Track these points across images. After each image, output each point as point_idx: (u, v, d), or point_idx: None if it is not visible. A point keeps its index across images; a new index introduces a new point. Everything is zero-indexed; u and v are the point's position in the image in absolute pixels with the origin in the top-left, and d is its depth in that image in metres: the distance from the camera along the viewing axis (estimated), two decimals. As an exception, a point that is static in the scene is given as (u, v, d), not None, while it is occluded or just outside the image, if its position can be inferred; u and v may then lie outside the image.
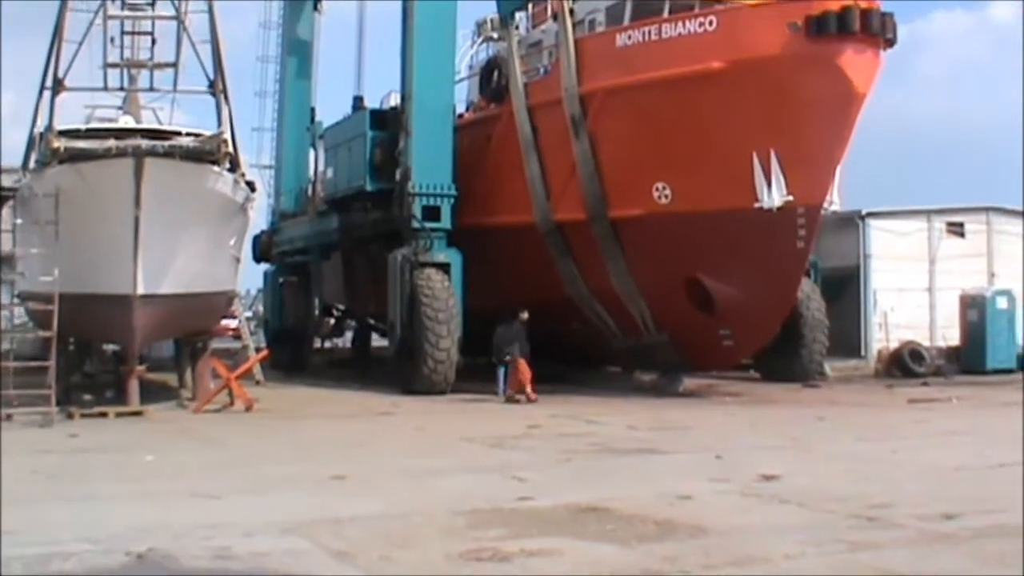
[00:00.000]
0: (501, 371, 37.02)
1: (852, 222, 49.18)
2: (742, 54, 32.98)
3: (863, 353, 48.34)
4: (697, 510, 15.58)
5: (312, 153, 51.48)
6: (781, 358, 40.57)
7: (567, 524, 14.65)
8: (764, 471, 18.99)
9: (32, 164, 33.90)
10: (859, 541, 13.50)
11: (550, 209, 37.94)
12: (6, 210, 32.51)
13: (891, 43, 33.37)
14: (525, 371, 35.15)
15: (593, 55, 36.64)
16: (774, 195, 33.58)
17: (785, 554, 12.89)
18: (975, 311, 47.87)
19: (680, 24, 34.34)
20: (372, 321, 54.30)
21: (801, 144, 32.91)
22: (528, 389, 34.87)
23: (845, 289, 48.23)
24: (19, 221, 31.40)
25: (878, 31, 32.77)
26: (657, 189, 35.08)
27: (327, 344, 58.17)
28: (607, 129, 35.92)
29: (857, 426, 29.17)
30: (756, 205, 33.76)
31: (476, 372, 39.66)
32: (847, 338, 46.94)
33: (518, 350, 36.09)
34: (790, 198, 33.61)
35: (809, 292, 41.75)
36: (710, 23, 33.79)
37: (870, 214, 49.43)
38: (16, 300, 33.79)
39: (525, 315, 36.48)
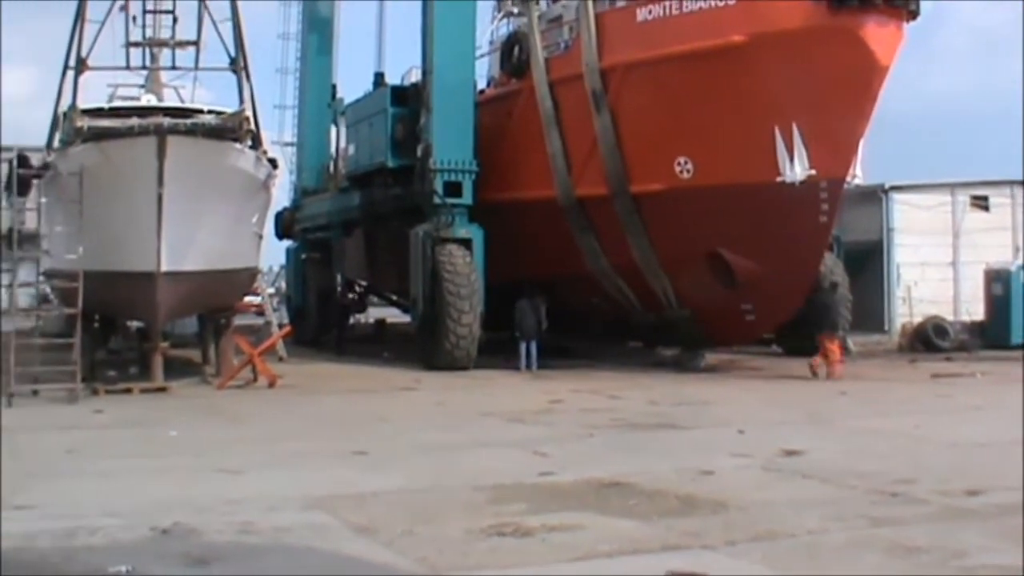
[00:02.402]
0: (523, 346, 37.08)
1: (875, 196, 48.92)
2: (763, 27, 32.80)
3: (886, 328, 48.11)
4: (719, 485, 15.60)
5: (333, 130, 51.45)
6: (803, 333, 40.42)
7: (589, 499, 14.69)
8: (786, 446, 19.01)
9: (56, 143, 33.96)
10: (882, 516, 13.50)
11: (571, 184, 37.84)
12: (33, 189, 32.54)
13: (914, 15, 33.15)
14: None
15: (614, 29, 36.49)
16: (796, 169, 33.46)
17: (807, 529, 12.89)
18: (999, 285, 47.52)
19: (701, -2, 34.21)
20: (394, 297, 54.40)
21: (823, 117, 32.73)
22: None
23: (868, 263, 48.02)
24: (44, 200, 31.46)
25: (901, 3, 32.57)
26: (679, 164, 34.96)
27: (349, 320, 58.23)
28: (628, 104, 35.79)
29: (880, 401, 29.14)
30: (778, 179, 33.62)
31: (498, 347, 39.67)
32: (870, 313, 46.74)
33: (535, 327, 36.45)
34: (812, 172, 33.47)
35: (832, 266, 41.53)
36: (731, -4, 33.64)
37: (893, 188, 49.15)
38: (42, 278, 33.88)
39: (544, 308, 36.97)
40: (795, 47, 32.30)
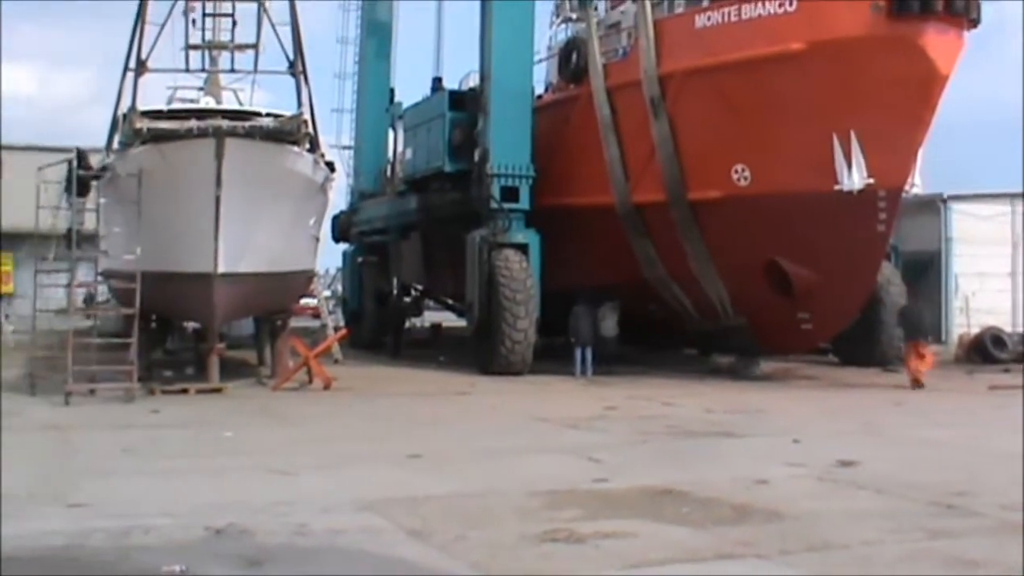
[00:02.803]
0: (578, 352, 37.05)
1: (933, 205, 48.66)
2: (823, 35, 32.70)
3: (943, 338, 47.79)
4: (773, 494, 15.52)
5: (391, 134, 51.59)
6: (860, 342, 40.19)
7: (642, 506, 14.65)
8: (841, 456, 18.88)
9: (115, 144, 34.16)
10: (938, 529, 13.39)
11: (629, 191, 37.81)
12: (92, 190, 32.75)
13: (975, 23, 33.00)
14: None
15: (672, 36, 36.45)
16: (854, 177, 33.30)
17: (862, 540, 12.80)
18: (1059, 296, 47.25)
19: (760, 5, 34.03)
20: (450, 301, 54.47)
21: (882, 126, 32.56)
22: None
23: (926, 273, 47.74)
24: (103, 201, 31.65)
25: (961, 11, 32.40)
26: (736, 171, 34.85)
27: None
28: (686, 111, 35.73)
29: (936, 412, 28.88)
30: (836, 187, 33.48)
31: (553, 353, 39.64)
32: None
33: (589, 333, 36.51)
34: (871, 180, 33.31)
35: (890, 276, 41.29)
36: (790, 4, 33.45)
37: (952, 197, 48.86)
38: (100, 278, 34.09)
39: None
40: (854, 55, 32.17)
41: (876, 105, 32.31)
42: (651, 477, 16.82)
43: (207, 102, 35.60)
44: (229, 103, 37.22)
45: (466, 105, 42.32)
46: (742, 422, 25.38)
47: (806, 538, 12.89)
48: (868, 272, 35.78)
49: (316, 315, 51.74)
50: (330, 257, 63.78)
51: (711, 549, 12.36)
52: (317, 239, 37.06)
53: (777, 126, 33.53)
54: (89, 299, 34.31)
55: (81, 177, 31.56)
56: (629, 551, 12.21)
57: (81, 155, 32.44)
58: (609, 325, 38.18)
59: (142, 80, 33.96)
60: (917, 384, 33.79)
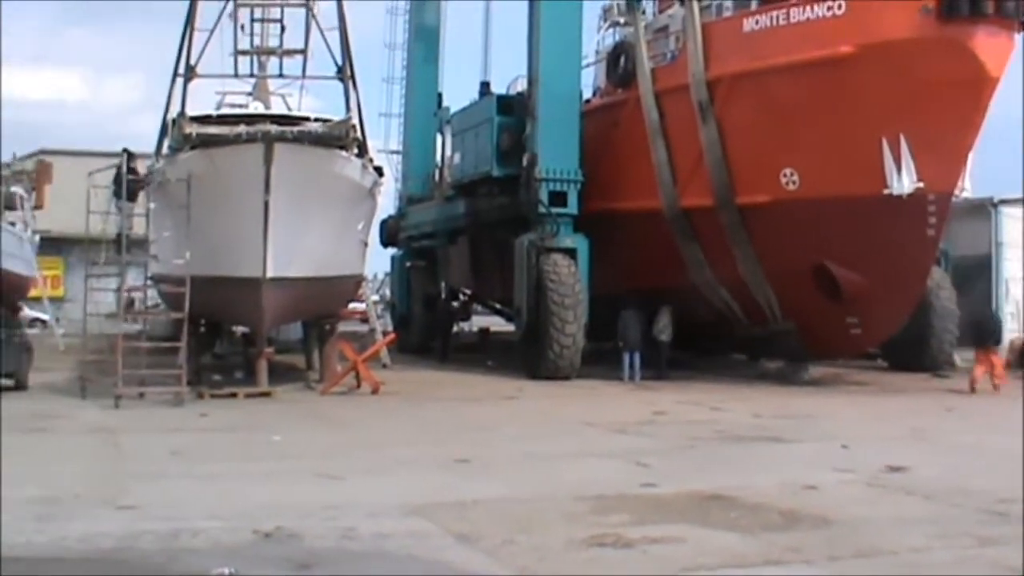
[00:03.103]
0: (626, 357, 37.01)
1: (984, 209, 48.28)
2: (872, 38, 32.55)
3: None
4: (822, 500, 15.47)
5: (439, 138, 51.65)
6: (910, 347, 39.94)
7: (690, 511, 14.63)
8: (891, 462, 18.80)
9: (165, 149, 34.35)
10: (987, 536, 13.31)
11: (677, 195, 37.76)
12: (141, 194, 32.93)
13: (1025, 25, 32.85)
14: None
15: (720, 40, 36.39)
16: (904, 181, 33.15)
17: (911, 547, 12.76)
18: (1112, 301, 46.82)
19: (808, 8, 33.91)
20: (498, 305, 54.52)
21: (931, 129, 32.38)
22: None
23: (976, 278, 47.38)
24: (152, 205, 31.82)
25: (1012, 13, 32.20)
26: (785, 175, 34.73)
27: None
28: (734, 115, 35.65)
29: (987, 418, 28.73)
30: (885, 191, 33.32)
31: (601, 357, 39.60)
32: (978, 328, 46.11)
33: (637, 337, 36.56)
34: (920, 184, 33.15)
35: (939, 281, 41.05)
36: (839, 7, 33.32)
37: (1002, 201, 48.46)
38: (149, 282, 34.28)
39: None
40: (904, 58, 32.00)
41: (926, 108, 32.14)
42: (699, 482, 16.81)
43: (256, 107, 35.72)
44: (278, 108, 37.30)
45: (514, 109, 42.37)
46: (791, 427, 25.31)
47: (854, 544, 12.85)
48: (917, 277, 35.61)
49: (364, 319, 51.82)
50: (378, 261, 63.95)
51: (759, 555, 12.34)
52: (365, 243, 37.17)
53: (826, 130, 33.38)
54: (129, 304, 34.47)
55: (130, 183, 31.74)
56: (677, 556, 12.20)
57: (130, 156, 32.58)
58: (663, 329, 38.14)
59: (191, 85, 34.08)
60: (994, 387, 33.56)
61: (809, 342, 36.23)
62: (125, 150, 32.97)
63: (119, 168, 31.66)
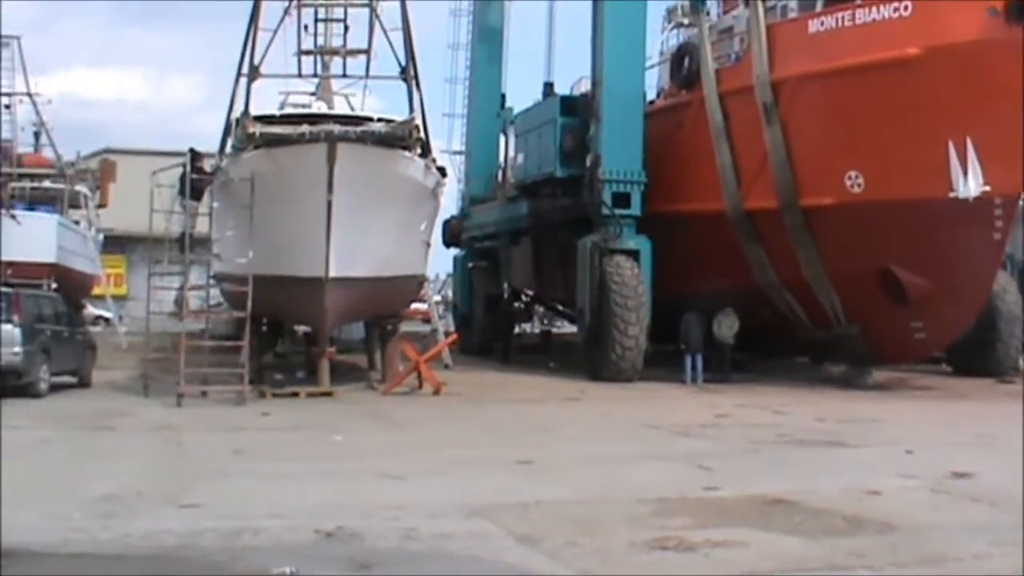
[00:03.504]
0: (689, 359, 36.95)
1: (1051, 213, 47.86)
2: (938, 40, 32.31)
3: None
4: (886, 506, 15.35)
5: (502, 139, 51.70)
6: (975, 352, 39.69)
7: (753, 515, 14.55)
8: (956, 468, 18.61)
9: (228, 149, 34.53)
10: (1053, 544, 13.17)
11: (741, 197, 37.64)
12: (205, 194, 33.11)
13: (1094, 28, 32.49)
14: None
15: (785, 41, 36.24)
16: (970, 184, 32.91)
17: (975, 554, 12.64)
18: None
19: (874, 9, 33.72)
20: (560, 307, 54.51)
21: (998, 132, 32.14)
22: None
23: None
24: (215, 204, 32.01)
25: (1080, 16, 31.91)
26: (849, 178, 34.53)
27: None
28: (799, 117, 35.51)
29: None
30: (951, 195, 33.09)
31: (663, 360, 39.53)
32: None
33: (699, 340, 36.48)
34: (987, 188, 32.92)
35: (1005, 285, 40.76)
36: (905, 8, 33.12)
37: (1071, 205, 48.03)
38: (212, 281, 34.47)
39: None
40: (970, 60, 31.76)
41: (992, 110, 31.94)
42: (762, 486, 16.70)
43: (319, 107, 35.80)
44: (341, 108, 37.40)
45: (578, 110, 42.39)
46: (854, 431, 25.11)
47: (918, 550, 12.75)
48: (983, 281, 35.38)
49: (426, 320, 51.99)
50: (441, 262, 64.04)
51: (822, 560, 12.27)
52: (428, 244, 37.27)
53: (891, 132, 33.19)
54: (179, 303, 34.66)
55: (194, 181, 31.91)
56: (739, 560, 12.14)
57: (195, 156, 32.76)
58: (727, 332, 38.04)
59: (255, 85, 34.14)
60: None
61: (873, 346, 36.03)
62: (191, 150, 33.15)
63: (184, 167, 31.83)
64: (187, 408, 27.51)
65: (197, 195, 32.77)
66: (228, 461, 19.31)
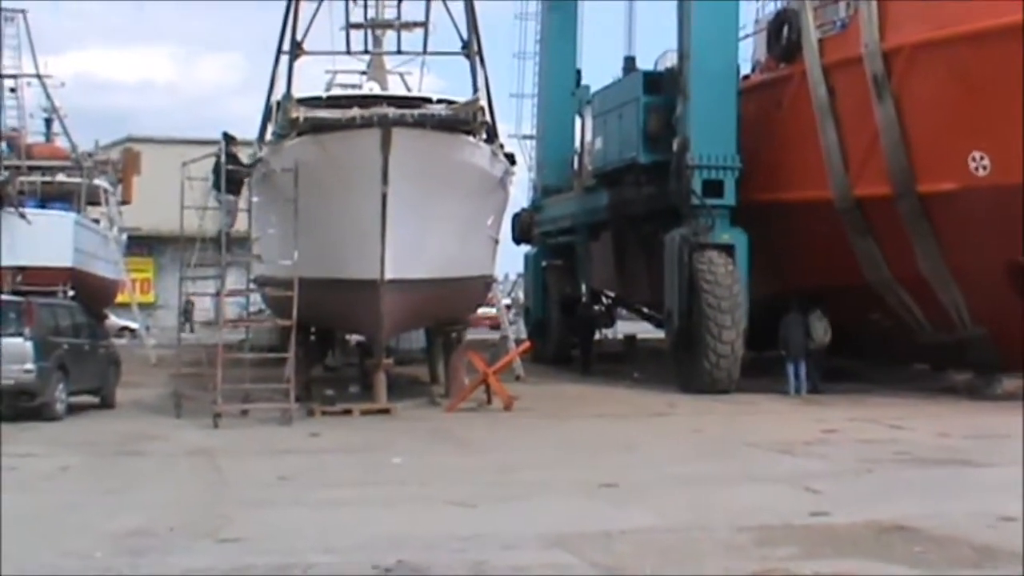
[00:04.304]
0: (791, 367, 36.76)
1: None
2: (1077, 1, 32.02)
3: None
4: (1020, 534, 15.16)
5: (578, 121, 51.70)
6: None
7: (868, 544, 14.50)
8: (1100, 489, 18.41)
9: (269, 136, 34.57)
10: None
11: (849, 183, 37.36)
12: (244, 187, 33.21)
13: None
14: None
15: (898, 5, 35.94)
16: (1113, 166, 32.55)
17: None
18: None
19: (1003, -33, 33.45)
20: (646, 310, 54.40)
21: None
22: None
23: None
24: (255, 199, 32.07)
25: None
26: (974, 159, 34.20)
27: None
28: (915, 90, 35.20)
29: None
30: (1091, 178, 32.75)
31: (763, 368, 39.39)
32: None
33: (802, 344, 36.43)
34: None
35: None
36: (1038, -35, 32.84)
37: None
38: (252, 285, 34.58)
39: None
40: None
41: None
42: (878, 511, 16.65)
43: (371, 87, 35.82)
44: (396, 88, 37.52)
45: (663, 88, 42.26)
46: (983, 448, 24.95)
47: (1058, 584, 12.62)
48: None
49: (495, 326, 52.14)
50: (510, 261, 64.27)
51: (947, 595, 12.17)
52: (496, 241, 37.32)
53: (1020, 107, 32.84)
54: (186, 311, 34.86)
55: (230, 172, 31.97)
56: (853, 596, 12.06)
57: (230, 142, 32.80)
58: (823, 335, 37.83)
59: (298, 64, 34.23)
60: None
61: (1003, 351, 35.70)
62: (225, 134, 33.15)
63: (218, 157, 31.88)
64: (225, 429, 27.65)
65: (234, 188, 32.89)
66: (273, 489, 19.40)
